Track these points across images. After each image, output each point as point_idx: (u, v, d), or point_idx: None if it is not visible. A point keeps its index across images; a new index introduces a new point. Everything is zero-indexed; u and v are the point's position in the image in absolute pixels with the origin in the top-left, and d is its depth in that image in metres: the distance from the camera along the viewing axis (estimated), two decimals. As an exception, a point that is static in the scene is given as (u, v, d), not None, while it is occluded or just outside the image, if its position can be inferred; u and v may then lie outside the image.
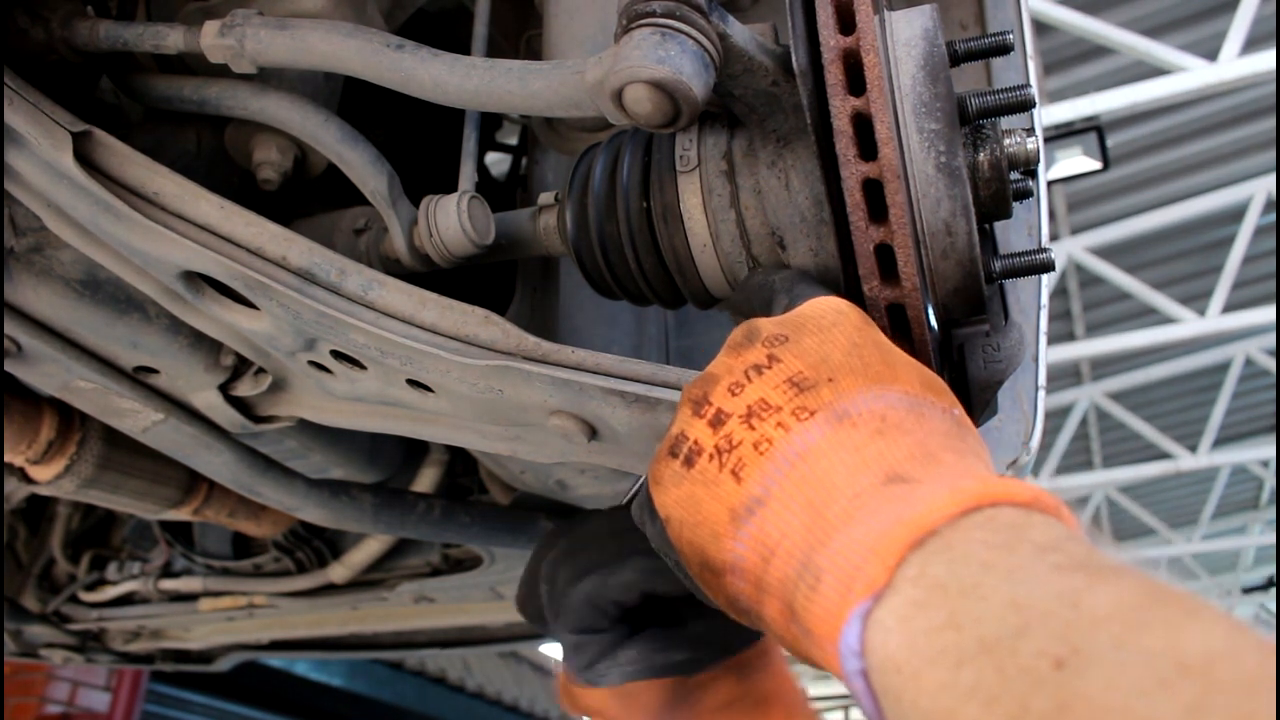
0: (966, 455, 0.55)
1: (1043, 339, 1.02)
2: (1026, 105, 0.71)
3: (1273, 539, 12.47)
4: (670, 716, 0.80)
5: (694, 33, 0.71)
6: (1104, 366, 9.57)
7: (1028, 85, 0.71)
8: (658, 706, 0.80)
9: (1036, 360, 1.01)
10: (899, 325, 0.68)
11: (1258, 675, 0.34)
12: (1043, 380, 1.01)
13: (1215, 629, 0.37)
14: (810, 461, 0.54)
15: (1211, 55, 5.44)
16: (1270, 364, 9.01)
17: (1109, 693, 0.35)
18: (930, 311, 0.70)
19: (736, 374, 0.61)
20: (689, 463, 0.60)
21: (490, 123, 1.89)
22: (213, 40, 0.89)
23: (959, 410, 0.60)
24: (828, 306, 0.65)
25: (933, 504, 0.47)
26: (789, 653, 0.56)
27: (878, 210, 0.67)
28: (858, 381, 0.58)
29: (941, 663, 0.41)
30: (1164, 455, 9.49)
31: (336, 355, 0.91)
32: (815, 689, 13.59)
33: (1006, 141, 0.72)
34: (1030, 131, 0.74)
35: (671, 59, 0.69)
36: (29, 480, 1.36)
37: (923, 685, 0.41)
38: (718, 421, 0.59)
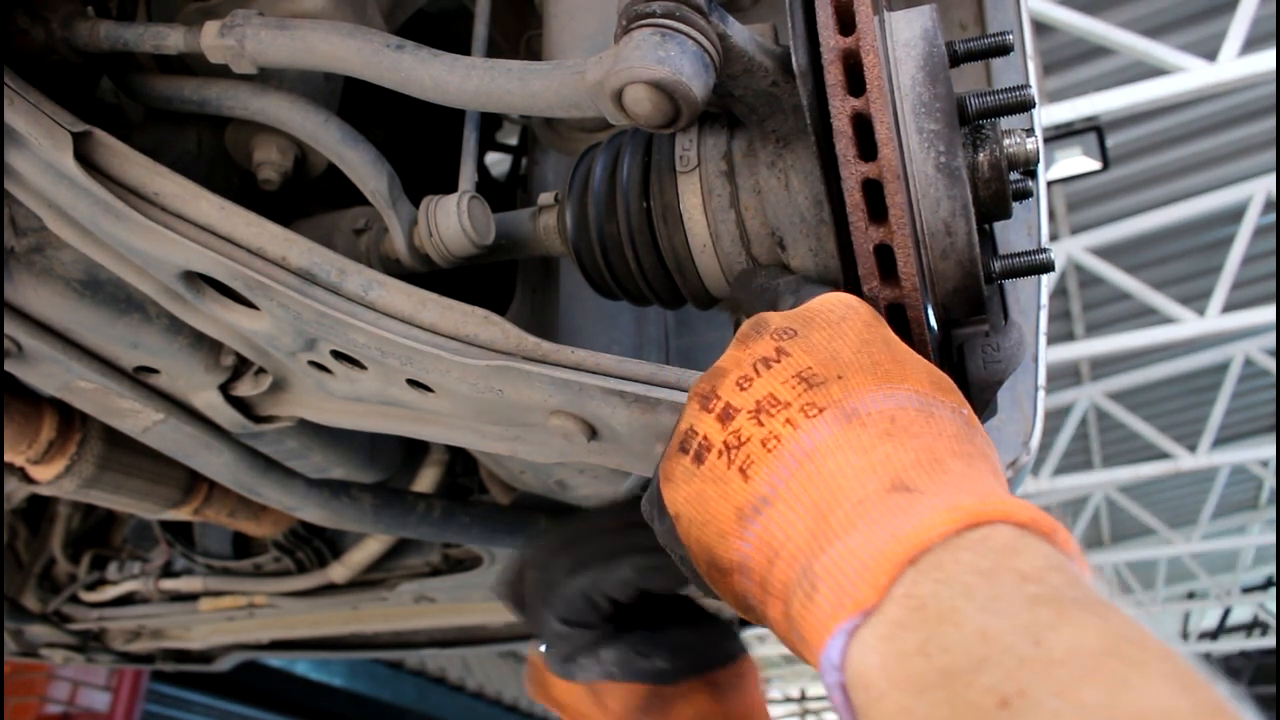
0: (975, 460, 0.55)
1: (1042, 339, 1.02)
2: (1026, 105, 0.71)
3: (1272, 539, 12.47)
4: None
5: (694, 33, 0.71)
6: (1104, 366, 9.57)
7: (1027, 85, 0.71)
8: (627, 711, 0.80)
9: (1036, 360, 1.01)
10: (899, 325, 0.68)
11: None
12: (1042, 380, 1.01)
13: (1161, 687, 0.36)
14: (817, 461, 0.54)
15: (1211, 55, 5.44)
16: (1270, 364, 9.01)
17: None
18: (930, 311, 0.70)
19: (744, 367, 0.60)
20: (699, 459, 0.59)
21: (490, 123, 1.89)
22: (213, 40, 0.89)
23: (967, 409, 0.60)
24: (837, 301, 0.65)
25: (930, 521, 0.46)
26: (791, 652, 0.56)
27: (877, 210, 0.67)
28: (867, 379, 0.58)
29: (906, 688, 0.41)
30: (1164, 455, 9.49)
31: (336, 355, 0.91)
32: (815, 689, 13.59)
33: (1006, 142, 0.72)
34: (1030, 131, 0.74)
35: (671, 59, 0.69)
36: (29, 480, 1.36)
37: (884, 708, 0.41)
38: (726, 416, 0.59)
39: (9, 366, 1.03)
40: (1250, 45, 5.49)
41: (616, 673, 0.80)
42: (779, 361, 0.60)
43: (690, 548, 0.60)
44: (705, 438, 0.59)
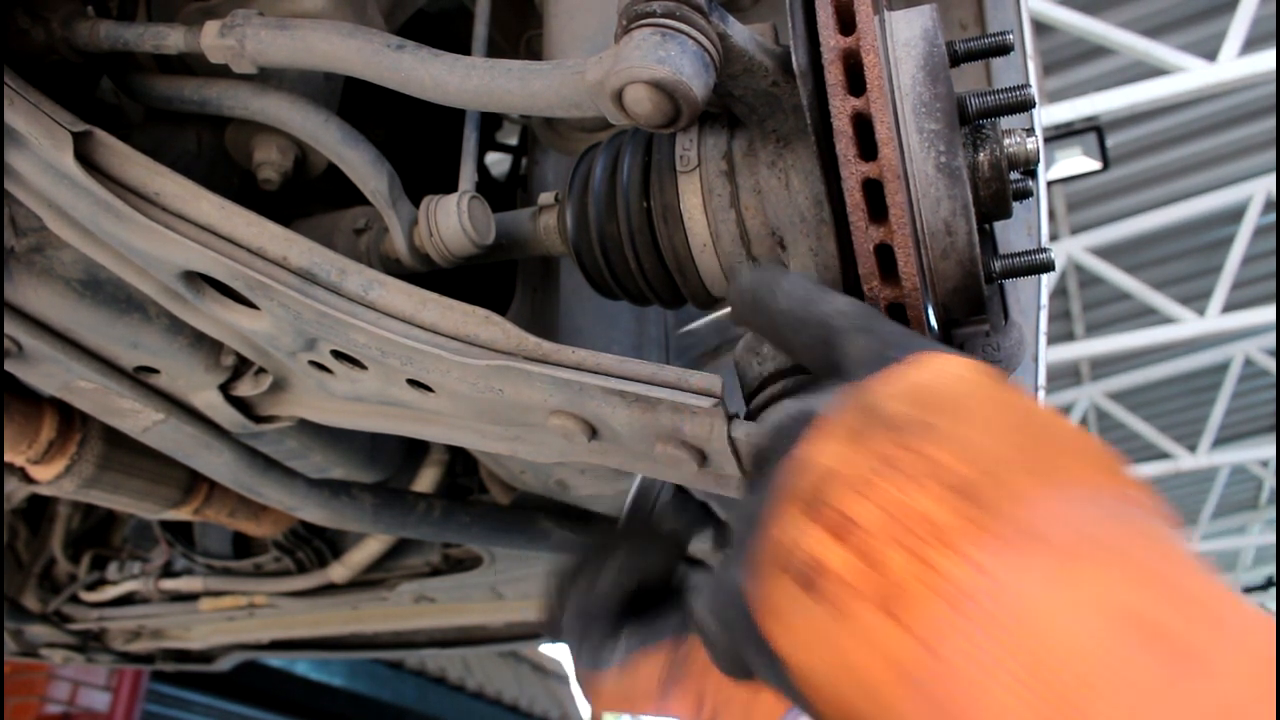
0: (1211, 582, 0.41)
1: (1043, 339, 1.03)
2: (1026, 105, 0.71)
3: (1272, 539, 12.46)
4: (670, 685, 0.81)
5: (694, 33, 0.71)
6: (1104, 366, 9.57)
7: (1028, 85, 0.71)
8: (659, 679, 0.81)
9: (1036, 360, 1.01)
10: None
11: None
12: (1043, 380, 1.01)
13: None
14: (1024, 618, 0.39)
15: (1211, 55, 5.44)
16: (1270, 364, 9.01)
17: None
18: (930, 311, 0.70)
19: (860, 467, 0.46)
20: (810, 586, 0.45)
21: (490, 123, 1.89)
22: (213, 40, 0.89)
23: (1133, 490, 0.47)
24: (958, 371, 0.50)
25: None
26: None
27: (878, 210, 0.67)
28: (1034, 482, 0.44)
29: None
30: (1164, 455, 9.49)
31: (337, 355, 0.91)
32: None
33: (1006, 141, 0.72)
34: (1030, 131, 0.74)
35: (671, 59, 0.69)
36: (29, 480, 1.36)
37: None
38: (844, 533, 0.44)
39: (9, 366, 1.03)
40: (1250, 45, 5.49)
41: (637, 644, 0.80)
42: (913, 462, 0.45)
43: (819, 698, 0.46)
44: (816, 560, 0.45)
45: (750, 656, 0.51)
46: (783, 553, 0.47)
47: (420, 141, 1.60)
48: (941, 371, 0.50)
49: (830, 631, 0.44)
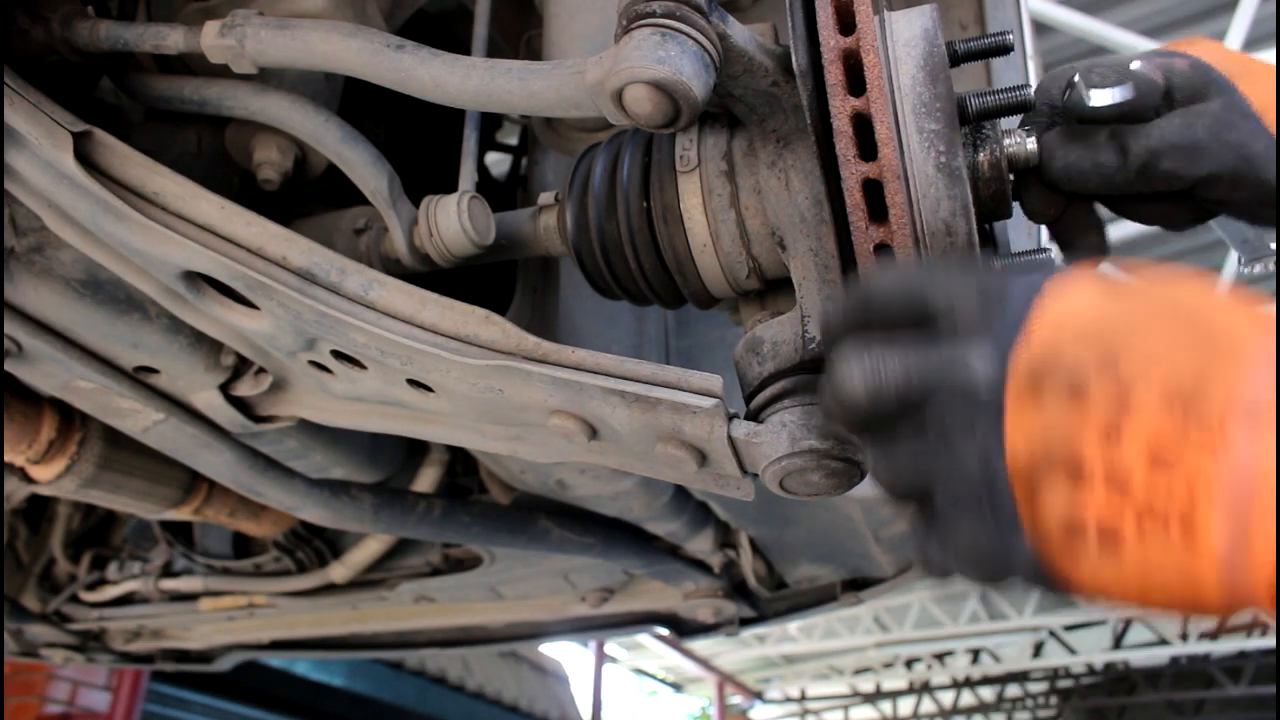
0: None
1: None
2: (1026, 105, 0.71)
3: (1273, 539, 12.40)
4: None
5: (694, 33, 0.71)
6: (1104, 366, 9.56)
7: (1028, 85, 0.71)
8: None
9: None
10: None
11: None
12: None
13: None
14: (1266, 479, 0.46)
15: (1211, 55, 5.43)
16: (1270, 364, 9.00)
17: None
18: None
19: (1096, 420, 0.51)
20: (1112, 541, 0.50)
21: (490, 123, 1.89)
22: (213, 40, 0.89)
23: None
24: (1095, 291, 0.56)
25: None
26: None
27: (878, 210, 0.67)
28: (1222, 363, 0.50)
29: None
30: (1164, 455, 9.47)
31: (337, 355, 0.91)
32: (815, 689, 13.59)
33: (1006, 141, 0.73)
34: (1030, 131, 0.74)
35: (671, 59, 0.69)
36: (29, 480, 1.36)
37: None
38: (1120, 481, 0.50)
39: (9, 366, 1.03)
40: (1250, 45, 5.49)
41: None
42: (1133, 393, 0.50)
43: (1148, 610, 0.53)
44: (1106, 516, 0.50)
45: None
46: (1069, 527, 0.51)
47: (420, 141, 1.60)
48: (1085, 299, 0.55)
49: (1147, 570, 0.49)
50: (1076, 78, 0.72)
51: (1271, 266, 0.90)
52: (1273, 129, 0.69)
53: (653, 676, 12.78)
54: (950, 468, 0.55)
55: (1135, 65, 0.71)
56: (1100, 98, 0.71)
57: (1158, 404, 0.49)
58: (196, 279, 0.90)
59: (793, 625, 11.11)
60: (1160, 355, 0.51)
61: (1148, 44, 5.53)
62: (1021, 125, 0.75)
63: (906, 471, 0.57)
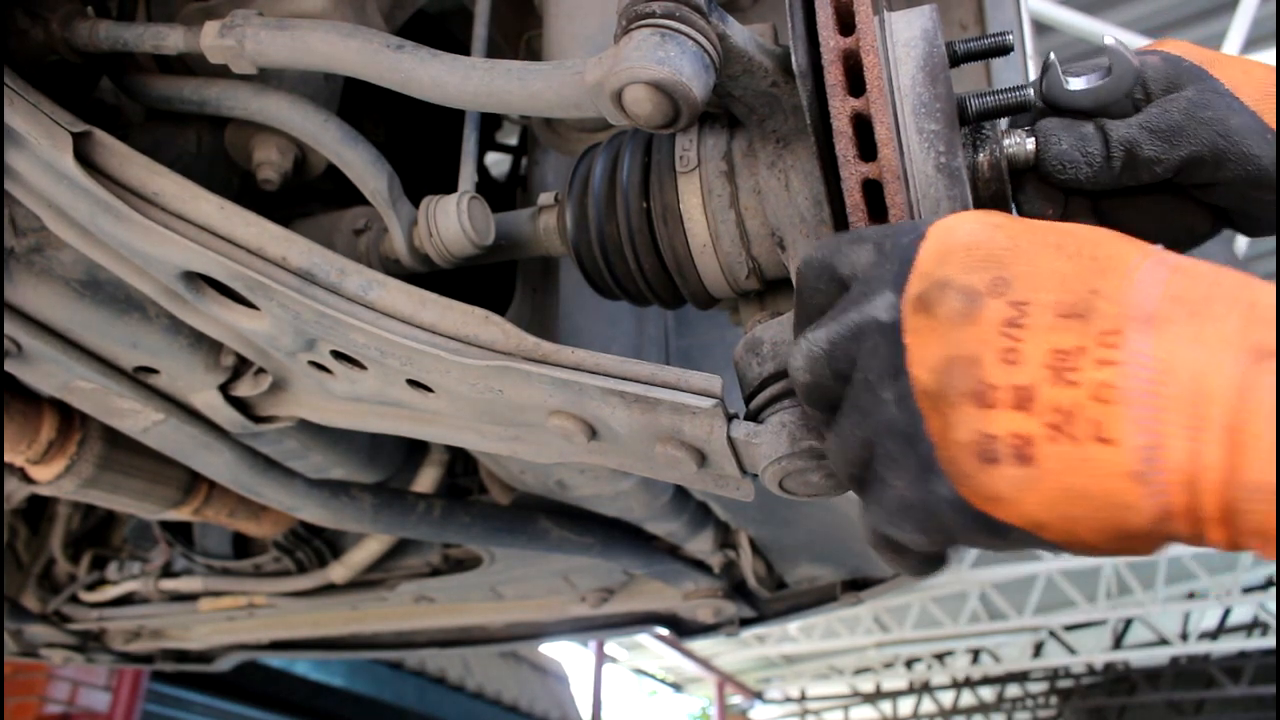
0: (1252, 280, 0.51)
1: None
2: (1026, 106, 0.71)
3: (1273, 539, 12.39)
4: None
5: (694, 33, 0.71)
6: (1104, 366, 9.56)
7: (1027, 85, 0.71)
8: None
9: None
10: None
11: None
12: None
13: None
14: (1170, 376, 0.47)
15: (1211, 55, 5.43)
16: (1270, 364, 9.00)
17: None
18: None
19: (994, 344, 0.52)
20: (1025, 459, 0.50)
21: (490, 123, 1.89)
22: (213, 41, 0.89)
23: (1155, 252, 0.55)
24: (974, 224, 0.57)
25: None
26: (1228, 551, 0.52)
27: (878, 210, 0.67)
28: (1110, 275, 0.52)
29: None
30: (1164, 455, 9.46)
31: (337, 355, 0.91)
32: (815, 689, 13.59)
33: (1006, 142, 0.72)
34: (1030, 131, 0.74)
35: (671, 60, 0.69)
36: (29, 480, 1.36)
37: None
38: (1025, 400, 0.50)
39: (9, 366, 1.03)
40: (1250, 45, 5.49)
41: None
42: (1025, 314, 0.52)
43: (1078, 539, 0.52)
44: (1016, 435, 0.50)
45: (994, 544, 0.56)
46: (983, 450, 0.51)
47: (420, 141, 1.60)
48: (961, 230, 0.57)
49: (1068, 481, 0.50)
50: (1052, 56, 0.73)
51: None
52: (1248, 107, 0.70)
53: (653, 676, 12.79)
54: (878, 423, 0.56)
55: (1108, 40, 0.72)
56: (1077, 83, 0.72)
57: (1053, 322, 0.51)
58: (196, 279, 0.90)
59: (793, 625, 11.11)
60: (1048, 276, 0.52)
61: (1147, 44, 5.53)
62: (1012, 125, 0.75)
63: (851, 442, 0.59)
